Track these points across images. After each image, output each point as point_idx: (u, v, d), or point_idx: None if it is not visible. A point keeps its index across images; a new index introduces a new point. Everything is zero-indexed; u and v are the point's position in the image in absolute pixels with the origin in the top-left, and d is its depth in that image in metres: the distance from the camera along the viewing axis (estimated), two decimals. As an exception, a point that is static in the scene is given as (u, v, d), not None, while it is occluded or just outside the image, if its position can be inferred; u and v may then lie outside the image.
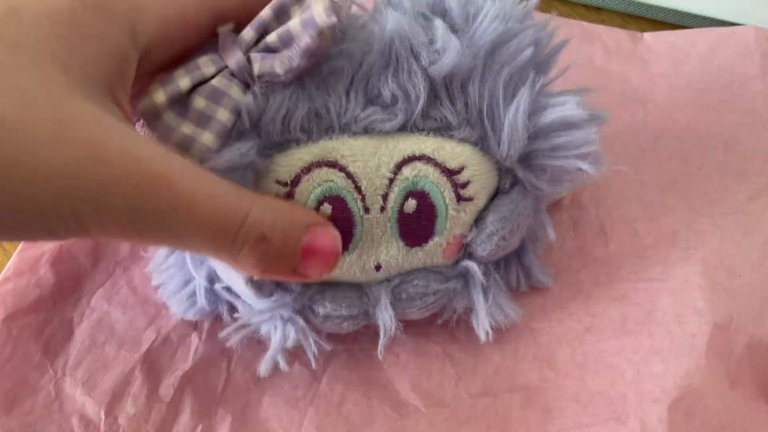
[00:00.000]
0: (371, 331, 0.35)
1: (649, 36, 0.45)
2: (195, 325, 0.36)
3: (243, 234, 0.25)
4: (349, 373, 0.34)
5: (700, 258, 0.34)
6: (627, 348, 0.33)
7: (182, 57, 0.27)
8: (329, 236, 0.28)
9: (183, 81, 0.26)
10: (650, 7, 0.47)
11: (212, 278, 0.32)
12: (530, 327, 0.35)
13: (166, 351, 0.35)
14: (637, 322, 0.33)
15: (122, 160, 0.22)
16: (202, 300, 0.32)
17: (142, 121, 0.27)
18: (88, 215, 0.22)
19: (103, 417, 0.33)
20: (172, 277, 0.33)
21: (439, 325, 0.35)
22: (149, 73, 0.27)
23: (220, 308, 0.33)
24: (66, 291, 0.37)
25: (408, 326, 0.35)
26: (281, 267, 0.27)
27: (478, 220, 0.31)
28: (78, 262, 0.38)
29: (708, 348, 0.31)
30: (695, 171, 0.38)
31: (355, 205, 0.29)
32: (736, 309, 0.33)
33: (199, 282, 0.32)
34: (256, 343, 0.35)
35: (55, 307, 0.36)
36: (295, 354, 0.35)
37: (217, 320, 0.36)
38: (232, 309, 0.33)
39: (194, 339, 0.35)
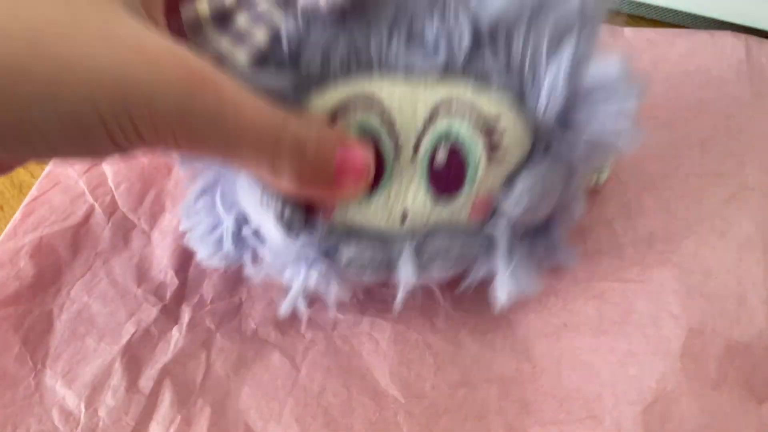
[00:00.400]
0: (351, 317, 0.36)
1: (629, 31, 0.46)
2: (176, 319, 0.36)
3: (283, 141, 0.26)
4: (329, 362, 0.34)
5: (677, 262, 0.35)
6: (603, 347, 0.33)
7: None
8: (360, 149, 0.28)
9: None
10: (650, 7, 0.47)
11: (240, 222, 0.32)
12: (508, 318, 0.35)
13: (146, 344, 0.35)
14: (613, 322, 0.34)
15: (170, 61, 0.23)
16: (228, 244, 0.32)
17: None
18: (141, 118, 0.23)
19: (83, 409, 0.33)
20: (201, 222, 0.33)
21: (419, 313, 0.35)
22: None
23: (243, 256, 0.33)
24: (46, 283, 0.37)
25: (388, 311, 0.35)
26: (317, 177, 0.27)
27: (509, 181, 0.30)
28: (58, 254, 0.38)
29: (683, 352, 0.32)
30: (672, 171, 0.38)
31: (387, 145, 0.29)
32: (711, 312, 0.33)
33: (227, 225, 0.32)
34: (236, 333, 0.35)
35: (34, 299, 0.36)
36: (275, 341, 0.35)
37: (197, 313, 0.36)
38: (254, 260, 0.33)
39: (175, 332, 0.35)
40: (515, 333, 0.35)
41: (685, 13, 0.46)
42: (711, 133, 0.40)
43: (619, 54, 0.29)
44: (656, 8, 0.47)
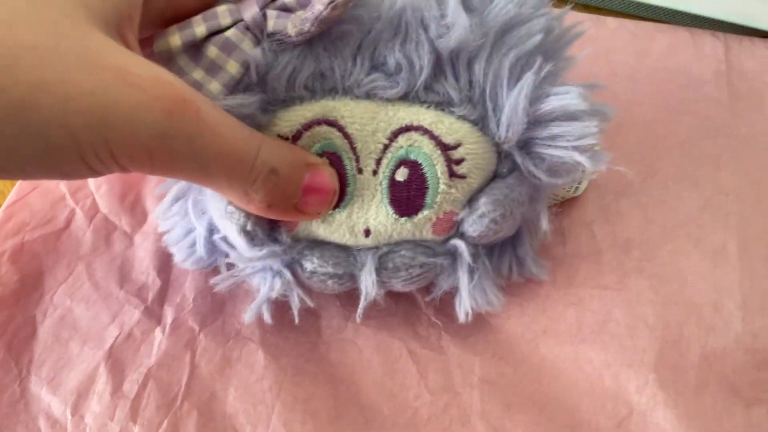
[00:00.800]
0: (334, 323, 0.36)
1: (612, 21, 0.46)
2: (159, 320, 0.36)
3: (258, 166, 0.27)
4: (314, 368, 0.35)
5: (653, 272, 0.36)
6: (581, 356, 0.34)
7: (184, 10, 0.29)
8: (328, 174, 0.30)
9: (199, 28, 0.28)
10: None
11: (211, 229, 0.32)
12: (489, 323, 0.36)
13: (129, 347, 0.35)
14: (591, 331, 0.35)
15: (153, 84, 0.23)
16: (201, 249, 0.33)
17: None
18: (118, 142, 0.23)
19: (69, 416, 0.33)
20: (176, 225, 0.34)
21: (401, 319, 0.36)
22: (150, 21, 0.28)
23: (218, 260, 0.34)
24: (28, 288, 0.36)
25: (371, 318, 0.36)
26: (285, 202, 0.29)
27: (472, 200, 0.31)
28: (39, 259, 0.37)
29: (657, 362, 0.33)
30: (651, 176, 0.39)
31: (349, 164, 0.30)
32: (687, 320, 0.34)
33: (200, 232, 0.33)
34: (220, 333, 0.36)
35: (17, 305, 0.36)
36: (259, 342, 0.35)
37: (180, 314, 0.36)
38: (228, 264, 0.34)
39: (158, 334, 0.36)
40: (497, 337, 0.35)
41: (665, 8, 0.46)
42: (688, 135, 0.40)
43: (579, 85, 0.30)
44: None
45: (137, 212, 0.39)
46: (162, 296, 0.37)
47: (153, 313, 0.36)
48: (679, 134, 0.40)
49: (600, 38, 0.45)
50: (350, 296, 0.36)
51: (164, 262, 0.38)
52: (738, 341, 0.34)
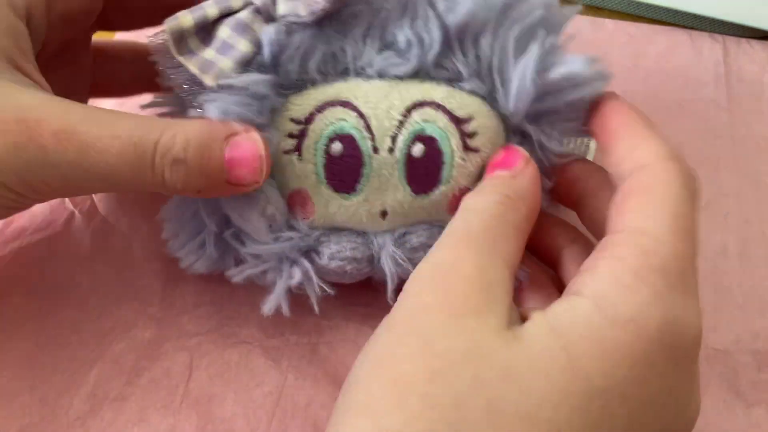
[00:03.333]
0: (335, 324, 0.36)
1: (610, 24, 0.46)
2: (158, 324, 0.36)
3: (158, 160, 0.27)
4: (315, 370, 0.35)
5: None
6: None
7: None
8: (250, 140, 0.28)
9: (211, 10, 0.29)
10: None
11: (222, 226, 0.32)
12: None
13: (129, 350, 0.35)
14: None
15: (14, 127, 0.25)
16: (211, 248, 0.33)
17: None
18: (9, 181, 0.26)
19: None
20: (183, 227, 0.33)
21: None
22: (77, 32, 0.31)
23: (226, 260, 0.33)
24: (28, 293, 0.36)
25: (373, 318, 0.35)
26: (212, 182, 0.28)
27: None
28: (39, 264, 0.37)
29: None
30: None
31: (364, 144, 0.30)
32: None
33: (210, 229, 0.32)
34: (220, 337, 0.35)
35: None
36: (259, 345, 0.35)
37: (180, 317, 0.36)
38: (237, 263, 0.33)
39: (157, 337, 0.35)
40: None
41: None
42: (687, 137, 0.40)
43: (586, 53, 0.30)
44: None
45: (136, 215, 0.39)
46: (162, 300, 0.37)
47: (152, 317, 0.36)
48: (678, 136, 0.40)
49: (597, 40, 0.45)
50: (351, 296, 0.36)
51: (164, 265, 0.37)
52: (739, 342, 0.34)
